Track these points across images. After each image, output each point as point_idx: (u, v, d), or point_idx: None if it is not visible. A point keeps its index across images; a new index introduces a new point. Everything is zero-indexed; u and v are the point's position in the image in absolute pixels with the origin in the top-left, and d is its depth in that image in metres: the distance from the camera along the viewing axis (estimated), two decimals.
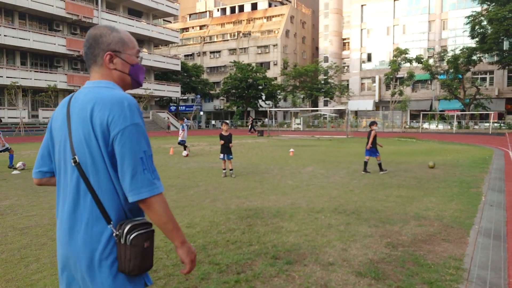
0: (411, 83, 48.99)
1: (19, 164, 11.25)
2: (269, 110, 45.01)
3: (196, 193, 7.60)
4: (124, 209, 1.50)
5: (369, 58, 58.88)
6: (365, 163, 10.45)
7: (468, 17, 41.75)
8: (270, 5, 68.23)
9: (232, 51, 66.84)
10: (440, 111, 49.34)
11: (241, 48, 66.12)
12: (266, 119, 57.95)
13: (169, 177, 9.73)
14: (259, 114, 61.34)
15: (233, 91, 55.73)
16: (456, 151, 17.07)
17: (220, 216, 5.72)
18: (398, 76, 49.04)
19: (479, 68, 48.29)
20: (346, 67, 62.70)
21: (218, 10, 73.16)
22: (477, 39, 41.56)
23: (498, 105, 47.89)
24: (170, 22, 72.18)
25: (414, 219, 5.55)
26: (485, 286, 3.41)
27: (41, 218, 5.70)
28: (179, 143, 15.76)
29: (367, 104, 57.08)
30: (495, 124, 42.57)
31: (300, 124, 48.39)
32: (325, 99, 58.44)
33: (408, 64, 47.19)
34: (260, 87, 54.15)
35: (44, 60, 41.33)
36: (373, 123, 10.77)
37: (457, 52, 44.09)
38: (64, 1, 39.65)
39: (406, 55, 46.55)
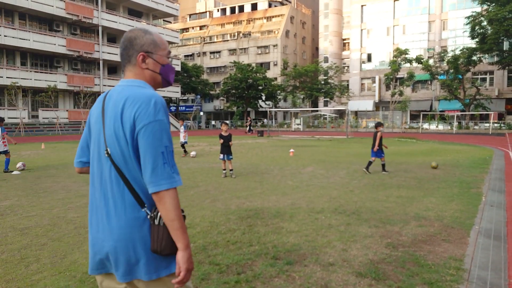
0: (411, 84, 49.00)
1: (19, 165, 11.22)
2: (269, 111, 45.01)
3: (196, 194, 7.60)
4: None
5: (369, 58, 58.89)
6: (370, 163, 10.43)
7: (468, 17, 41.76)
8: (270, 6, 68.25)
9: (232, 51, 66.87)
10: (440, 111, 49.35)
11: (241, 49, 66.13)
12: (265, 120, 58.02)
13: None
14: (259, 114, 61.36)
15: (233, 91, 55.73)
16: (456, 151, 17.06)
17: (220, 217, 5.72)
18: (398, 76, 49.04)
19: (479, 69, 48.30)
20: (346, 68, 62.71)
21: (218, 11, 73.17)
22: (477, 39, 41.56)
23: (498, 105, 47.89)
24: (170, 22, 72.16)
25: (414, 219, 5.55)
26: (485, 286, 3.40)
27: (41, 218, 5.70)
28: (182, 145, 15.66)
29: (367, 105, 57.08)
30: (495, 125, 42.57)
31: (300, 124, 48.39)
32: (325, 99, 58.45)
33: (408, 65, 47.19)
34: (260, 88, 54.15)
35: (44, 60, 41.33)
36: (379, 124, 10.75)
37: (457, 52, 44.10)
38: (64, 1, 39.66)
39: (406, 56, 46.55)
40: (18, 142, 12.12)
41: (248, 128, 39.80)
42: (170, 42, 55.09)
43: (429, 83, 52.78)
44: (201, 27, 72.72)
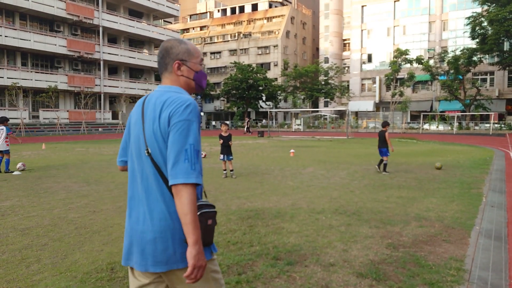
0: (411, 84, 49.00)
1: (19, 165, 11.22)
2: (270, 111, 45.03)
3: None
4: None
5: (369, 59, 58.90)
6: (381, 161, 10.55)
7: (469, 18, 41.77)
8: (270, 6, 68.28)
9: (233, 52, 66.91)
10: (441, 112, 49.33)
11: (242, 49, 66.17)
12: (264, 120, 58.00)
13: None
14: (260, 115, 61.39)
15: (234, 92, 55.76)
16: (457, 152, 17.06)
17: (221, 217, 5.72)
18: (398, 77, 49.03)
19: (479, 69, 48.30)
20: (346, 68, 62.72)
21: (218, 11, 73.22)
22: (477, 40, 41.56)
23: (499, 106, 47.88)
24: (170, 23, 72.21)
25: (415, 220, 5.55)
26: (486, 287, 3.40)
27: (41, 218, 5.70)
28: None
29: (367, 105, 57.08)
30: (496, 125, 42.55)
31: (300, 125, 48.39)
32: (326, 100, 58.46)
33: (408, 65, 47.19)
34: (261, 88, 54.17)
35: (45, 60, 41.37)
36: (386, 124, 10.87)
37: (458, 53, 44.10)
38: (65, 1, 39.70)
39: (407, 56, 46.56)
40: (18, 142, 12.13)
41: (246, 128, 39.81)
42: None
43: (430, 83, 52.78)
44: (201, 28, 72.77)
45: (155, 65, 50.35)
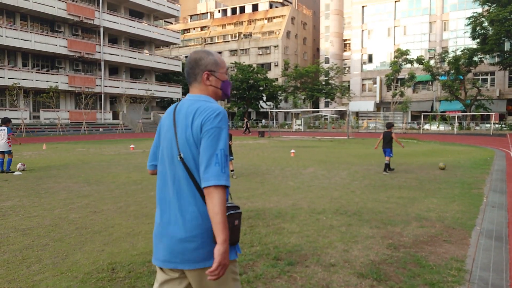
0: (412, 84, 48.97)
1: (18, 165, 11.21)
2: (270, 111, 45.04)
3: None
4: None
5: (370, 59, 58.89)
6: (386, 165, 10.58)
7: (469, 18, 41.74)
8: (271, 6, 68.29)
9: (233, 52, 66.93)
10: (441, 112, 49.31)
11: (242, 49, 66.19)
12: (263, 120, 57.97)
13: None
14: (260, 115, 61.38)
15: (234, 92, 55.68)
16: (457, 152, 17.05)
17: None
18: (399, 77, 49.01)
19: (480, 69, 48.27)
20: (347, 68, 62.71)
21: (219, 11, 73.24)
22: (478, 40, 41.54)
23: (499, 106, 47.84)
24: (171, 23, 72.24)
25: (415, 220, 5.55)
26: (486, 287, 3.40)
27: (42, 219, 5.71)
28: None
29: (368, 105, 57.07)
30: (496, 125, 42.52)
31: (301, 125, 48.39)
32: (326, 100, 58.44)
33: (409, 65, 47.16)
34: (261, 88, 54.17)
35: (46, 61, 41.41)
36: (391, 125, 11.13)
37: (458, 53, 44.07)
38: (66, 2, 39.74)
39: (407, 56, 46.54)
40: (20, 142, 12.18)
41: (245, 128, 39.81)
42: (171, 43, 55.25)
43: (430, 83, 52.76)
44: (202, 28, 72.80)
45: (156, 65, 50.40)
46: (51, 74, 39.80)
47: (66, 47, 39.99)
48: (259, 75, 54.13)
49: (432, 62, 47.34)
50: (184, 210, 1.82)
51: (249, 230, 5.06)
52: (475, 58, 42.57)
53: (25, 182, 9.17)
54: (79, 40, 41.72)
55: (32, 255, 4.18)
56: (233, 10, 71.96)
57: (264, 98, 55.72)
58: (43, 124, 38.56)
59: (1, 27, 35.19)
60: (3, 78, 35.63)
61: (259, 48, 64.87)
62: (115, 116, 47.38)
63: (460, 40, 50.90)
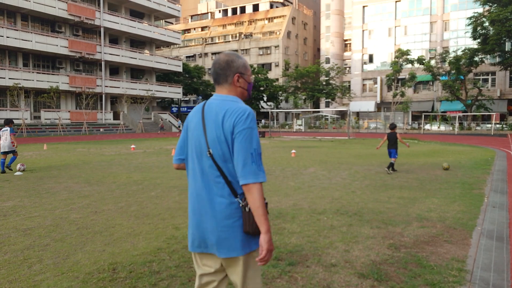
0: (412, 84, 48.97)
1: (18, 166, 11.22)
2: (271, 111, 45.05)
3: None
4: None
5: (370, 59, 58.87)
6: (392, 164, 10.66)
7: (470, 18, 41.73)
8: (271, 6, 68.30)
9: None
10: (442, 112, 49.28)
11: (243, 49, 66.19)
12: (263, 120, 57.95)
13: (171, 178, 9.74)
14: (261, 115, 61.38)
15: None
16: (458, 152, 17.04)
17: None
18: (399, 77, 48.99)
19: (481, 69, 48.25)
20: (347, 68, 62.72)
21: (219, 12, 73.27)
22: (479, 40, 41.53)
23: (500, 106, 47.81)
24: (171, 23, 72.28)
25: (416, 220, 5.55)
26: (488, 287, 3.40)
27: (43, 219, 5.71)
28: None
29: (368, 105, 57.07)
30: (497, 125, 42.50)
31: (301, 125, 48.38)
32: (327, 100, 58.44)
33: (409, 65, 47.14)
34: (262, 88, 54.18)
35: (46, 61, 41.46)
36: (394, 126, 11.29)
37: (459, 53, 44.05)
38: (66, 2, 39.78)
39: (408, 56, 46.53)
40: (20, 143, 12.23)
41: None
42: (171, 43, 55.27)
43: (431, 84, 52.74)
44: (202, 28, 72.83)
45: (156, 65, 50.42)
46: (52, 74, 39.84)
47: (67, 47, 40.03)
48: (259, 75, 54.14)
49: (432, 62, 47.33)
50: (214, 202, 1.96)
51: None
52: (476, 58, 42.55)
53: (26, 182, 9.18)
54: (80, 41, 41.76)
55: (33, 255, 4.18)
56: (234, 10, 71.98)
57: (265, 98, 55.73)
58: (43, 124, 38.60)
59: (2, 27, 35.23)
60: (4, 78, 35.67)
61: (259, 48, 64.88)
62: (116, 116, 47.42)
63: (461, 40, 50.88)
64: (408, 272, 3.67)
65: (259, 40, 65.01)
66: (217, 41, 68.85)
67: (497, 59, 43.55)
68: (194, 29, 73.78)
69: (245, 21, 68.64)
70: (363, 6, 58.79)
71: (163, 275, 3.62)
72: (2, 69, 35.85)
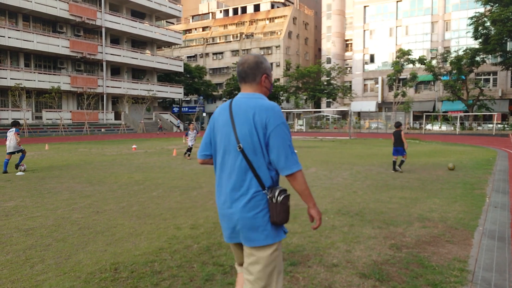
0: (414, 84, 48.93)
1: (19, 167, 11.27)
2: None
3: (199, 195, 7.61)
4: (273, 179, 2.14)
5: (371, 59, 58.83)
6: (394, 163, 10.75)
7: (472, 18, 41.67)
8: (272, 7, 68.29)
9: (235, 52, 66.93)
10: (443, 112, 49.22)
11: (244, 50, 66.19)
12: None
13: (173, 178, 9.75)
14: None
15: (236, 92, 55.64)
16: (460, 152, 17.02)
17: None
18: (401, 77, 48.94)
19: (482, 69, 48.17)
20: (348, 68, 62.67)
21: (220, 12, 73.27)
22: (480, 40, 41.46)
23: (502, 106, 47.74)
24: (173, 23, 72.32)
25: (418, 220, 5.54)
26: None
27: (45, 219, 5.72)
28: (189, 149, 15.13)
29: (370, 105, 57.01)
30: (499, 125, 42.43)
31: (302, 125, 48.36)
32: (328, 100, 58.42)
33: (411, 65, 47.09)
34: None
35: (48, 61, 41.52)
36: (400, 124, 11.28)
37: (460, 53, 43.99)
38: (68, 3, 39.84)
39: (409, 56, 46.47)
40: (22, 143, 12.28)
41: None
42: (172, 43, 55.31)
43: (432, 84, 52.67)
44: (203, 28, 72.84)
45: (157, 65, 50.47)
46: (53, 74, 39.92)
47: (68, 47, 40.09)
48: None
49: (434, 62, 47.28)
50: (240, 194, 2.10)
51: None
52: (477, 58, 42.49)
53: (28, 183, 9.20)
54: (81, 41, 41.82)
55: (35, 255, 4.19)
56: (235, 11, 71.97)
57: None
58: (45, 125, 38.65)
59: (4, 27, 35.30)
60: (6, 78, 35.75)
61: (260, 48, 64.86)
62: (117, 116, 47.48)
63: (462, 40, 50.81)
64: (410, 272, 3.67)
65: (260, 40, 65.01)
66: (218, 41, 68.86)
67: (499, 59, 43.48)
68: (195, 29, 73.80)
69: (246, 21, 68.63)
70: (364, 6, 58.75)
71: (165, 275, 3.63)
72: (3, 69, 35.93)
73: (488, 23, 40.06)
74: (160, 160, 14.22)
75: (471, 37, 43.15)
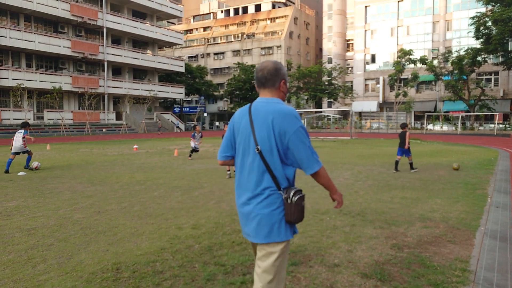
0: (415, 84, 48.87)
1: (35, 164, 11.50)
2: None
3: (201, 195, 7.61)
4: (289, 180, 2.25)
5: (373, 59, 58.78)
6: (397, 162, 10.79)
7: (473, 17, 41.60)
8: (273, 7, 68.28)
9: (236, 52, 66.96)
10: (445, 112, 49.16)
11: (245, 50, 66.21)
12: None
13: (174, 178, 9.76)
14: None
15: (237, 92, 55.78)
16: (461, 152, 17.00)
17: (225, 218, 5.73)
18: (402, 77, 48.89)
19: (483, 69, 48.09)
20: (350, 68, 62.62)
21: (221, 12, 73.30)
22: (481, 40, 41.39)
23: (503, 106, 47.66)
24: (174, 23, 72.37)
25: (419, 220, 5.54)
26: None
27: (47, 219, 5.73)
28: (196, 150, 15.12)
29: (371, 105, 56.96)
30: (500, 125, 42.35)
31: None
32: (329, 100, 58.39)
33: (412, 65, 47.03)
34: None
35: (49, 62, 41.59)
36: (405, 125, 11.24)
37: (462, 53, 43.93)
38: (69, 3, 39.90)
39: (410, 56, 46.42)
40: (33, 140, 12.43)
41: None
42: (174, 44, 55.35)
43: (434, 84, 52.61)
44: (204, 29, 72.87)
45: (159, 66, 50.51)
46: (55, 74, 39.99)
47: (70, 47, 40.16)
48: None
49: (435, 62, 47.22)
50: (257, 193, 2.21)
51: None
52: (479, 58, 42.42)
53: (30, 183, 9.22)
54: (83, 41, 41.89)
55: (37, 255, 4.20)
56: (236, 11, 71.99)
57: None
58: (46, 125, 38.72)
59: (5, 28, 35.37)
60: (7, 78, 35.82)
61: (261, 48, 64.88)
62: (118, 116, 47.53)
63: (464, 40, 50.75)
64: (412, 272, 3.67)
65: (261, 40, 65.01)
66: (219, 41, 68.89)
67: (500, 59, 43.40)
68: (196, 29, 73.83)
69: (247, 21, 68.63)
70: (366, 6, 58.71)
71: (166, 275, 3.63)
72: (5, 69, 36.00)
73: (489, 23, 39.99)
74: (162, 160, 14.23)
75: (473, 37, 43.09)
